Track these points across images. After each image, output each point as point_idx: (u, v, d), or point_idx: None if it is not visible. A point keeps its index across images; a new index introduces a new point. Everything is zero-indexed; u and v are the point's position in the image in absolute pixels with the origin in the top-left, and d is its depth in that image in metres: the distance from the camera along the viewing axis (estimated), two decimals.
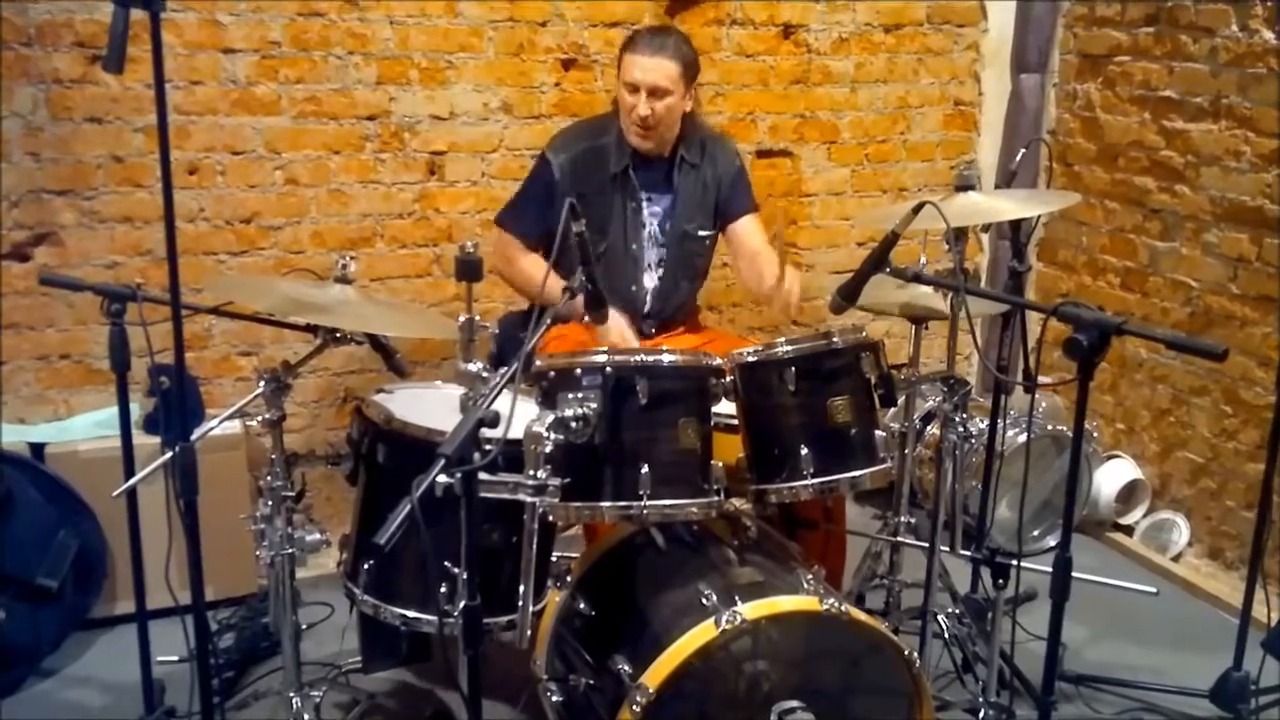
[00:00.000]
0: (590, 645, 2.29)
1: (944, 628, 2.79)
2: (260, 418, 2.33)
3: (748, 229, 3.09)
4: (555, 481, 1.94)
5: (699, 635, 2.00)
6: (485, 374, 2.01)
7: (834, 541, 2.80)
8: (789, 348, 2.24)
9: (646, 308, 3.05)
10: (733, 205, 3.09)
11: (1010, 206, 2.58)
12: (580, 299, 2.12)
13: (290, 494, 2.35)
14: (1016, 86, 3.97)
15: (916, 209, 2.19)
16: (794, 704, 2.02)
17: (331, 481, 3.50)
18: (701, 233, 3.07)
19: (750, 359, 2.26)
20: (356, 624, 2.73)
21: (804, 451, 2.21)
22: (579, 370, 2.08)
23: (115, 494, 2.30)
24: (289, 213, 3.33)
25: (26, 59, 3.01)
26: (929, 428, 3.12)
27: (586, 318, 2.22)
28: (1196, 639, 3.11)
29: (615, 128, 2.98)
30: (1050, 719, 2.16)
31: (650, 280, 3.05)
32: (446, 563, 2.00)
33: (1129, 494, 3.72)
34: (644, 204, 3.01)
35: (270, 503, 2.34)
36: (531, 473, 1.93)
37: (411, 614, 2.19)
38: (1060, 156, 3.97)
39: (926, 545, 2.60)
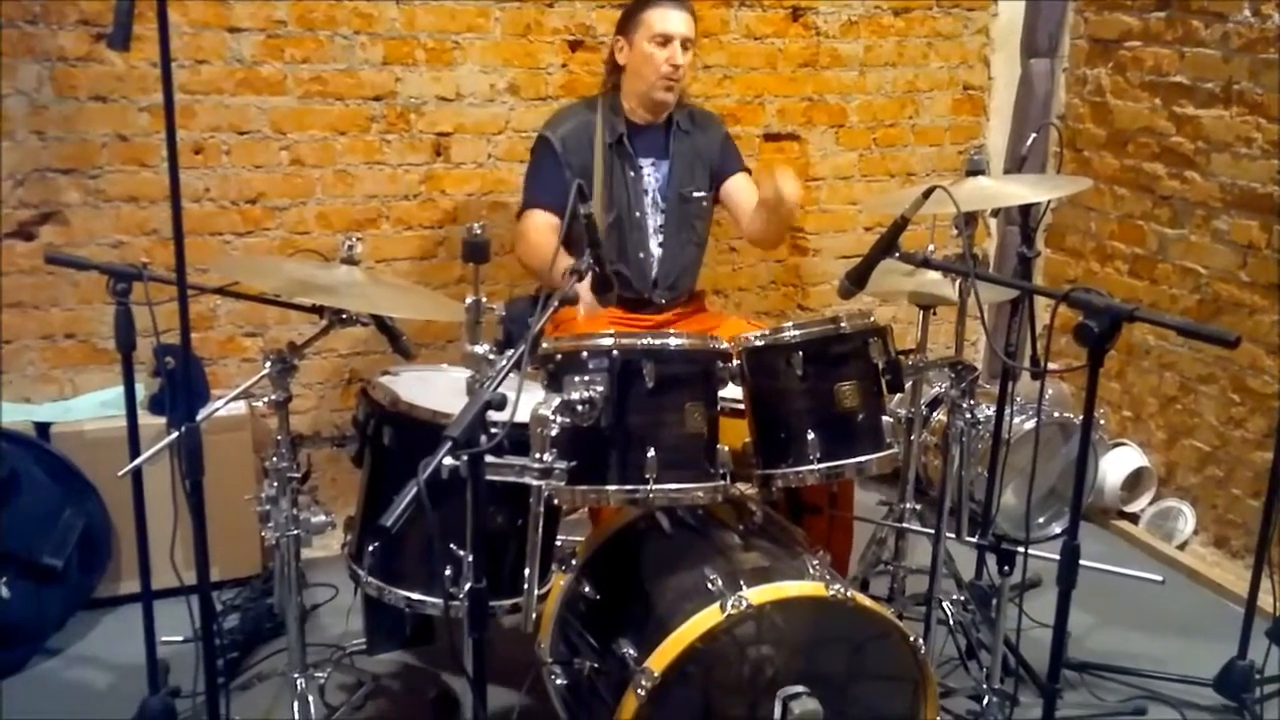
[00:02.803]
0: (595, 629, 2.29)
1: (949, 614, 2.79)
2: (266, 399, 2.32)
3: (744, 184, 3.20)
4: (561, 465, 1.94)
5: (704, 620, 1.99)
6: (491, 356, 2.00)
7: (840, 527, 2.80)
8: (796, 332, 2.23)
9: (654, 274, 3.08)
10: (727, 166, 3.20)
11: (1020, 191, 2.56)
12: (586, 280, 2.11)
13: (296, 475, 2.35)
14: (1026, 71, 3.95)
15: (927, 193, 2.18)
16: (798, 689, 2.02)
17: (337, 463, 3.49)
18: (698, 194, 3.13)
19: (757, 343, 2.25)
20: (361, 606, 2.74)
21: (810, 436, 2.20)
22: (585, 353, 2.07)
23: (120, 474, 2.30)
24: (295, 193, 3.32)
25: (31, 36, 3.00)
26: (936, 414, 3.12)
27: (593, 299, 2.21)
28: (1201, 627, 3.11)
29: (602, 104, 3.06)
30: (1055, 706, 2.15)
31: (655, 247, 3.09)
32: (452, 545, 2.00)
33: (1135, 481, 3.72)
34: (643, 171, 3.07)
35: (276, 484, 2.34)
36: (537, 456, 1.93)
37: (416, 596, 2.18)
38: (1070, 142, 3.95)
39: (932, 531, 2.60)
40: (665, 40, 2.94)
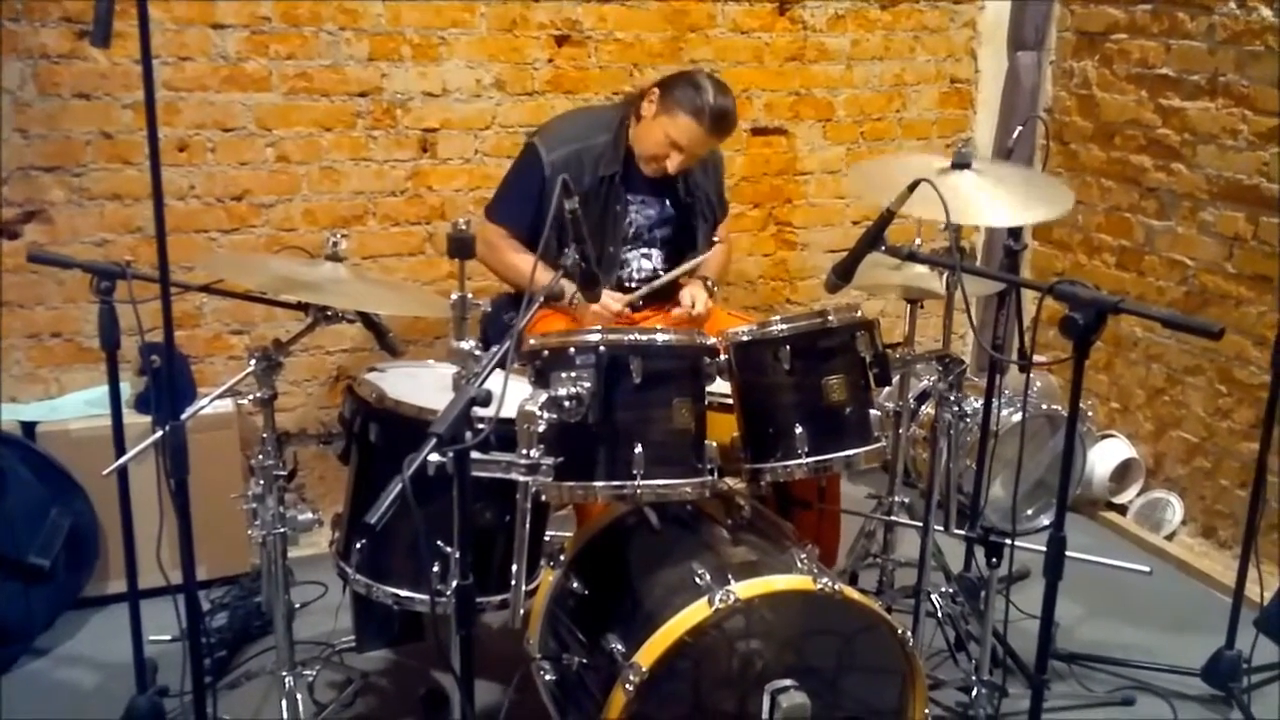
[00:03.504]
0: (583, 624, 2.29)
1: (937, 606, 2.79)
2: (252, 396, 2.32)
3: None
4: (548, 461, 1.94)
5: (692, 614, 1.99)
6: (478, 352, 2.00)
7: (828, 521, 2.80)
8: (784, 326, 2.23)
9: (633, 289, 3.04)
10: (720, 212, 3.21)
11: (1003, 213, 2.50)
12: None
13: (282, 473, 2.34)
14: (1013, 64, 3.95)
15: (912, 187, 2.18)
16: (787, 683, 2.02)
17: (324, 460, 3.49)
18: (714, 239, 3.12)
19: (745, 338, 2.25)
20: (349, 603, 2.74)
21: (798, 430, 2.20)
22: (572, 349, 2.07)
23: (105, 473, 2.29)
24: (280, 190, 3.31)
25: (14, 34, 2.98)
26: (924, 407, 3.12)
27: (579, 296, 2.20)
28: (1189, 618, 3.12)
29: (615, 128, 2.95)
30: (1043, 697, 2.16)
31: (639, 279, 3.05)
32: (439, 542, 2.00)
33: (1123, 473, 3.73)
34: (630, 208, 3.00)
35: (262, 482, 2.33)
36: (524, 452, 1.92)
37: (404, 593, 2.18)
38: (1057, 135, 3.95)
39: (920, 524, 2.60)
40: (678, 148, 2.84)
